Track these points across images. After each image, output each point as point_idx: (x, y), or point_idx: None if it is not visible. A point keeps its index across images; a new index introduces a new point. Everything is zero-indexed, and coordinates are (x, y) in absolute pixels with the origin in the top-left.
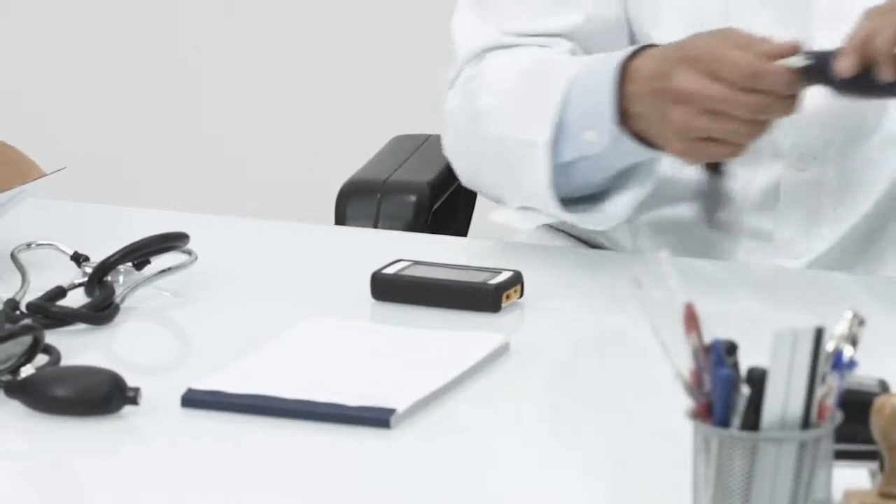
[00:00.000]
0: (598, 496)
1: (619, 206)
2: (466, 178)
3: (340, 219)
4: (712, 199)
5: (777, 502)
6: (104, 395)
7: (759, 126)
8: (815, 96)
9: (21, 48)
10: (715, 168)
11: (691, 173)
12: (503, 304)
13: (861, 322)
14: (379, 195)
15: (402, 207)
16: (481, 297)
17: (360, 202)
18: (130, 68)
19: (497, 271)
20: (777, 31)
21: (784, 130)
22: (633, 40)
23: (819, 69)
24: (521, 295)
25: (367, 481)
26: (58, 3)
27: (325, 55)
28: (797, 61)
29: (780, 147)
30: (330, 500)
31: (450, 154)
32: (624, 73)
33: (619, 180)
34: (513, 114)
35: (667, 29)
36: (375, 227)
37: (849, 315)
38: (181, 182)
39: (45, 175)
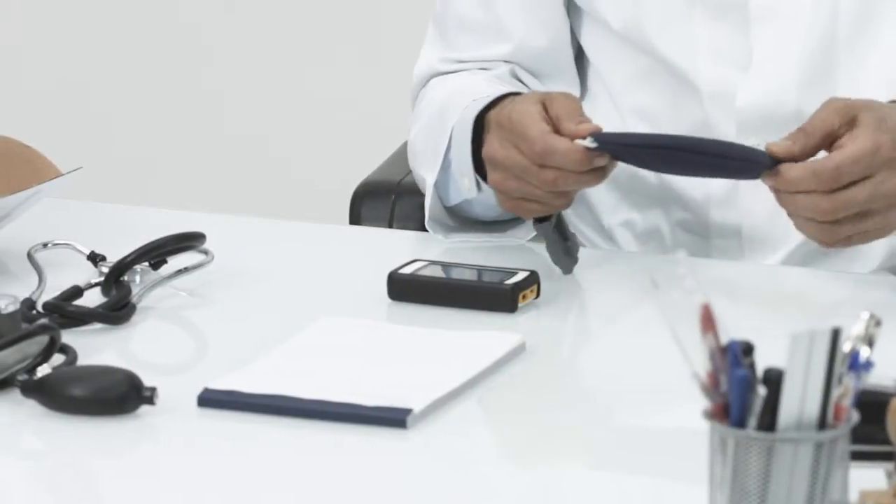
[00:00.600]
0: (614, 497)
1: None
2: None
3: (355, 220)
4: (552, 246)
5: (793, 503)
6: (121, 394)
7: (562, 195)
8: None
9: (38, 48)
10: (541, 219)
11: (653, 176)
12: (519, 305)
13: (878, 323)
14: (393, 196)
15: (417, 208)
16: (498, 297)
17: (374, 203)
18: (148, 68)
19: (513, 271)
20: (714, 28)
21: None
22: (577, 49)
23: (612, 152)
24: (538, 295)
25: (383, 481)
26: (75, 3)
27: (340, 57)
28: (588, 143)
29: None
30: (346, 500)
31: None
32: (482, 123)
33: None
34: (418, 152)
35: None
36: (390, 227)
37: (865, 316)
38: (198, 182)
39: (62, 175)
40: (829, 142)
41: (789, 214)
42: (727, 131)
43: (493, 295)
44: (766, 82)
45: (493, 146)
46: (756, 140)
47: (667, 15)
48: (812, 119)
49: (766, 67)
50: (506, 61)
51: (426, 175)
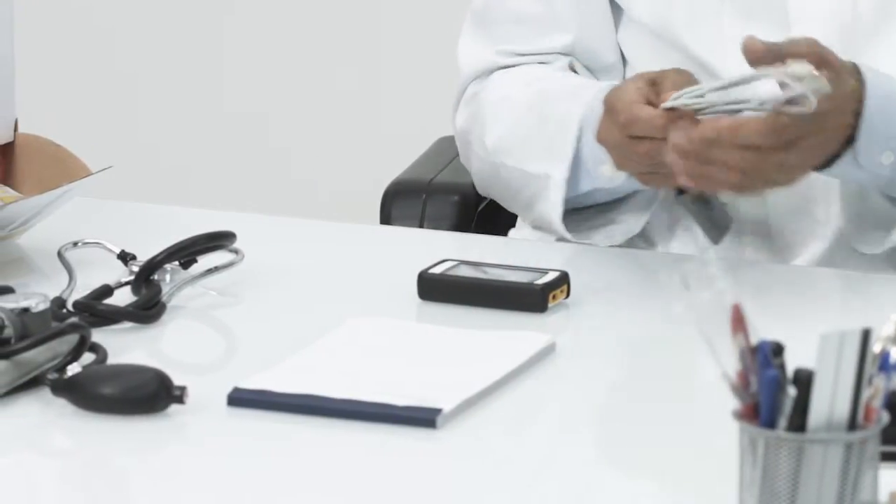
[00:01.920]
0: (643, 497)
1: (633, 224)
2: (481, 191)
3: (386, 219)
4: (697, 217)
5: None
6: (150, 393)
7: (663, 166)
8: None
9: (68, 47)
10: (679, 191)
11: None
12: (549, 305)
13: None
14: (424, 196)
15: (447, 208)
16: (528, 297)
17: (405, 203)
18: (179, 68)
19: (544, 271)
20: (746, 29)
21: None
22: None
23: (691, 106)
24: (568, 295)
25: (412, 481)
26: (105, 3)
27: (371, 56)
28: (669, 103)
29: None
30: (376, 499)
31: (465, 165)
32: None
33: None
34: (526, 148)
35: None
36: (421, 227)
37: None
38: (229, 182)
39: (93, 174)
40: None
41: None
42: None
43: (523, 295)
44: None
45: (600, 129)
46: None
47: (696, 13)
48: (788, 47)
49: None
50: (563, 54)
51: (550, 170)
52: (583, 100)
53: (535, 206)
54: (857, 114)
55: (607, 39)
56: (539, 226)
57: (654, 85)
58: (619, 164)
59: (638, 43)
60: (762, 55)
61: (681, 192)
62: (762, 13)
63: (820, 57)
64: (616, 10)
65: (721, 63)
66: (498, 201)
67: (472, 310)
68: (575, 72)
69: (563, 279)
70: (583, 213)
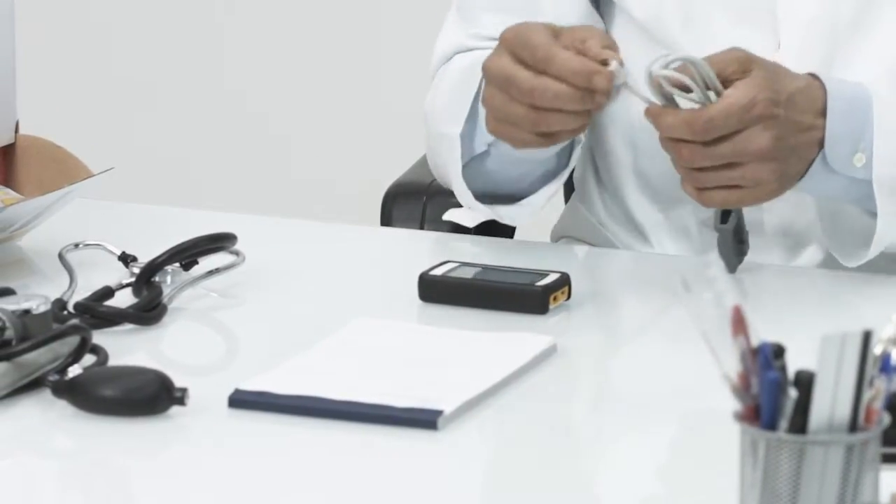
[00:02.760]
0: (645, 499)
1: (536, 199)
2: (432, 170)
3: (386, 221)
4: (724, 245)
5: None
6: (151, 395)
7: (542, 123)
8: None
9: (70, 49)
10: (723, 218)
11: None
12: (550, 307)
13: None
14: (425, 198)
15: (448, 210)
16: (528, 298)
17: (405, 204)
18: (179, 69)
19: (544, 273)
20: (738, 30)
21: None
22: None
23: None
24: (569, 297)
25: (413, 482)
26: (104, 2)
27: (372, 58)
28: (615, 67)
29: None
30: (376, 501)
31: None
32: None
33: (537, 178)
34: (443, 110)
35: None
36: (421, 229)
37: None
38: (229, 183)
39: (93, 175)
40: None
41: (672, 162)
42: None
43: (524, 297)
44: None
45: (492, 58)
46: None
47: (687, 13)
48: (708, 57)
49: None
50: None
51: (451, 128)
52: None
53: (446, 169)
54: (823, 114)
55: None
56: (459, 197)
57: (554, 32)
58: (488, 98)
59: (631, 39)
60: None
61: (724, 221)
62: (751, 15)
63: (743, 61)
64: (606, 4)
65: None
66: (438, 180)
67: (472, 311)
68: None
69: (563, 281)
70: (491, 189)
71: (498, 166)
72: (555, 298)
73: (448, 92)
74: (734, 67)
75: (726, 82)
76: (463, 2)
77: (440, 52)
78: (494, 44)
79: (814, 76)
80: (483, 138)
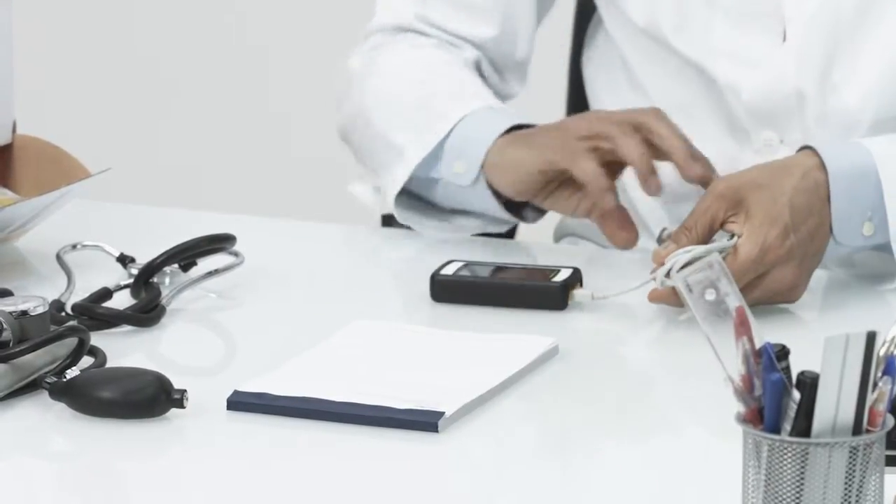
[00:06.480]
0: (647, 501)
1: (468, 226)
2: (340, 133)
3: (386, 221)
4: None
5: None
6: (150, 397)
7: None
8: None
9: (67, 49)
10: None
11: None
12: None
13: None
14: None
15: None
16: (547, 295)
17: None
18: (176, 69)
19: (556, 269)
20: (741, 32)
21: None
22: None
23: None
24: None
25: (414, 485)
26: (100, 4)
27: None
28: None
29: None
30: (377, 503)
31: (337, 101)
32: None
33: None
34: (398, 117)
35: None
36: None
37: None
38: (228, 184)
39: (91, 175)
40: (718, 227)
41: None
42: (745, 124)
43: (543, 293)
44: (767, 74)
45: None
46: (771, 133)
47: (685, 16)
48: (694, 212)
49: (774, 60)
50: (477, 46)
51: (407, 149)
52: (468, 104)
53: (382, 173)
54: (827, 199)
55: (526, 36)
56: (378, 189)
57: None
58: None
59: (631, 42)
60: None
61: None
62: (755, 11)
63: (728, 197)
64: (607, 6)
65: (712, 66)
66: (351, 152)
67: (485, 311)
68: (479, 69)
69: (576, 276)
70: (422, 201)
71: (442, 197)
72: (572, 294)
73: (405, 99)
74: (724, 207)
75: (727, 223)
76: None
77: (384, 21)
78: (438, 34)
79: (810, 150)
80: (442, 170)
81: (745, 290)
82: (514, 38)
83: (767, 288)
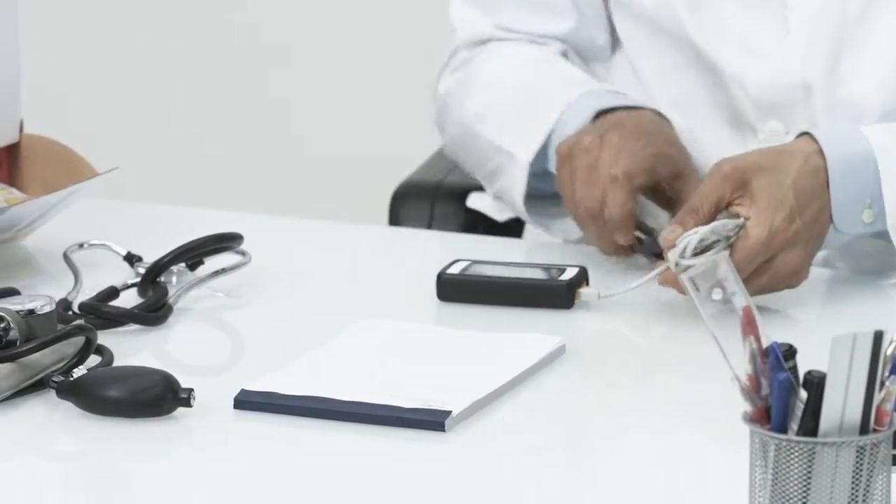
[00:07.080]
0: (654, 500)
1: None
2: (448, 154)
3: (394, 221)
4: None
5: None
6: (157, 396)
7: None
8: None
9: (74, 48)
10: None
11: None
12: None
13: None
14: (432, 198)
15: (456, 210)
16: (554, 294)
17: (413, 205)
18: (185, 70)
19: (562, 268)
20: (748, 17)
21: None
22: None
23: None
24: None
25: (421, 484)
26: (106, 2)
27: (381, 57)
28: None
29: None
30: (384, 503)
31: (438, 127)
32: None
33: None
34: (503, 122)
35: None
36: (429, 229)
37: None
38: (235, 183)
39: (99, 175)
40: (724, 208)
41: None
42: (750, 116)
43: (550, 292)
44: (773, 64)
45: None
46: (777, 123)
47: (697, 1)
48: (700, 193)
49: (781, 50)
50: (560, 40)
51: (517, 150)
52: (570, 93)
53: (498, 179)
54: (827, 185)
55: (601, 23)
56: (500, 197)
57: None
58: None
59: (634, 28)
60: (686, 225)
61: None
62: (761, 2)
63: (734, 178)
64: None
65: (718, 52)
66: (464, 168)
67: (491, 309)
68: (566, 58)
69: (582, 275)
70: (546, 200)
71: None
72: (579, 293)
73: (506, 102)
74: (729, 187)
75: (732, 205)
76: None
77: (464, 35)
78: (519, 37)
79: (809, 136)
80: (551, 163)
81: (753, 276)
82: (591, 25)
83: (775, 272)
